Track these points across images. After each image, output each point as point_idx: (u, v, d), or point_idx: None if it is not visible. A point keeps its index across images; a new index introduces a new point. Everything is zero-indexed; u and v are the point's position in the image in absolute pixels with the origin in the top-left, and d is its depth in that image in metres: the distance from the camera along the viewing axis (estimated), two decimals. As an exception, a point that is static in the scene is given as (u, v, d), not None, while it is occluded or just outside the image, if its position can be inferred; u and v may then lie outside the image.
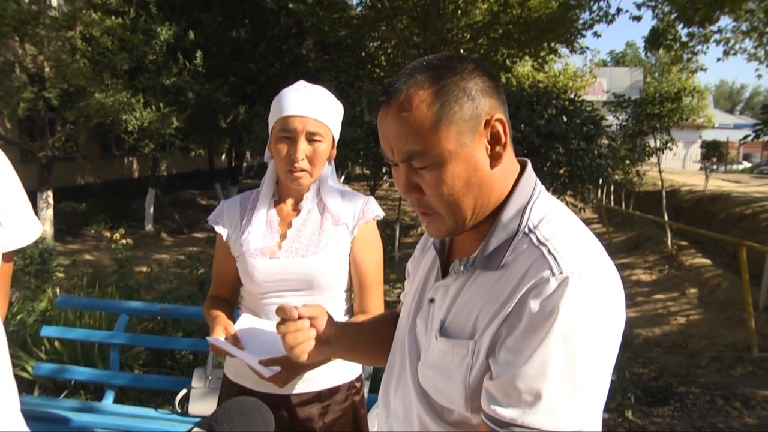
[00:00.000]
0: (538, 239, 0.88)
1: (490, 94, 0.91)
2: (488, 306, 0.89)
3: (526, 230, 0.91)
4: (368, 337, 1.28)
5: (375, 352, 1.25)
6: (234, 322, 1.60)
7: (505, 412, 0.81)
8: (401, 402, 1.05)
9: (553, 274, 0.82)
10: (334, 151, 1.67)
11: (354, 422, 1.71)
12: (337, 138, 1.66)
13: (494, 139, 0.91)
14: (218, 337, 1.51)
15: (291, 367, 1.49)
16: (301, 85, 1.61)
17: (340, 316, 1.70)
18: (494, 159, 0.92)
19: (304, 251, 1.62)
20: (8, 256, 1.29)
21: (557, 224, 0.91)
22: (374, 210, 1.70)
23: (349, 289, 1.73)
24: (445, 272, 1.05)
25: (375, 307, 1.69)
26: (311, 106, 1.55)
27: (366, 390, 1.91)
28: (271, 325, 1.61)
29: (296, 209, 1.69)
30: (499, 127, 0.91)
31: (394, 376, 1.10)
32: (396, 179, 0.97)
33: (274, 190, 1.71)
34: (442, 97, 0.87)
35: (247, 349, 1.51)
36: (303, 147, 1.55)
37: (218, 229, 1.72)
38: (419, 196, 0.93)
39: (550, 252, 0.85)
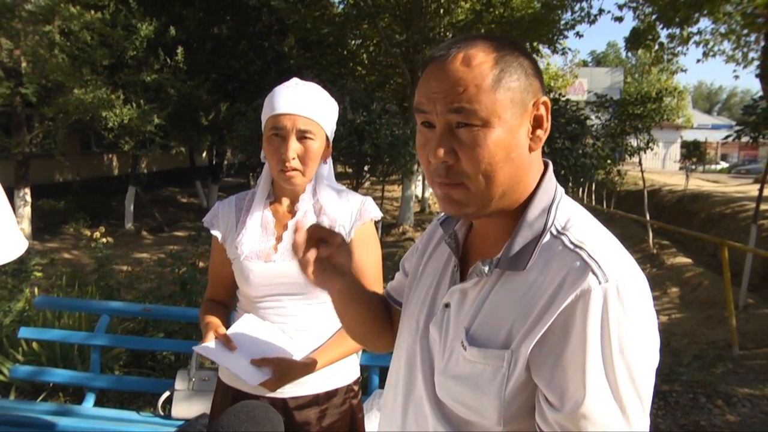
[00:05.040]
0: (571, 242, 0.85)
1: (539, 78, 0.90)
2: (524, 313, 0.84)
3: (554, 231, 0.88)
4: (368, 300, 1.21)
5: (366, 321, 1.20)
6: (230, 325, 1.58)
7: None
8: (413, 417, 1.00)
9: (599, 283, 0.79)
10: (329, 150, 1.63)
11: (351, 426, 1.68)
12: (331, 136, 1.62)
13: (537, 122, 0.89)
14: (208, 343, 1.49)
15: (282, 371, 1.47)
16: (293, 82, 1.57)
17: (336, 322, 1.66)
18: (534, 142, 0.89)
19: None
20: None
21: (586, 227, 0.88)
22: (371, 211, 1.67)
23: None
24: (462, 274, 0.99)
25: None
26: (302, 104, 1.52)
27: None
28: (271, 328, 1.58)
29: (292, 210, 1.65)
30: (543, 111, 0.89)
31: (402, 389, 1.04)
32: (423, 143, 0.91)
33: (269, 190, 1.67)
34: (502, 64, 0.85)
35: (242, 350, 1.48)
36: (293, 146, 1.52)
37: (213, 231, 1.68)
38: (453, 161, 0.87)
39: (590, 257, 0.82)
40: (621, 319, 0.78)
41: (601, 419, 0.79)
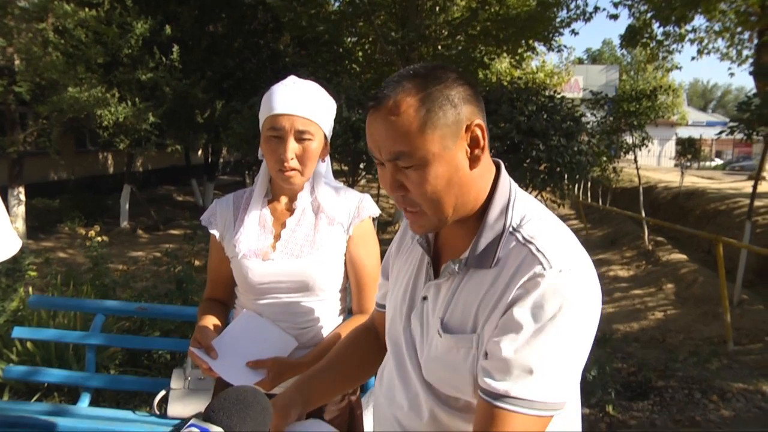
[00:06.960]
0: (523, 237, 0.98)
1: (471, 102, 0.98)
2: (485, 301, 0.97)
3: (510, 229, 1.00)
4: (341, 373, 1.32)
5: (362, 372, 1.36)
6: (229, 323, 1.59)
7: (500, 386, 0.91)
8: (405, 395, 1.12)
9: (544, 269, 0.92)
10: (328, 149, 1.62)
11: (350, 422, 1.68)
12: (330, 135, 1.61)
13: (473, 143, 0.99)
14: (196, 347, 1.50)
15: (277, 371, 1.47)
16: (291, 81, 1.56)
17: (335, 317, 1.68)
18: (473, 161, 1.00)
19: (298, 252, 1.59)
20: None
21: (538, 223, 1.00)
22: (369, 208, 1.67)
23: (344, 290, 1.70)
24: (435, 270, 1.11)
25: (373, 306, 1.66)
26: (300, 104, 1.50)
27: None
28: (269, 325, 1.59)
29: (290, 209, 1.64)
30: (478, 132, 0.98)
31: (395, 372, 1.16)
32: (381, 178, 1.03)
33: (267, 189, 1.67)
34: (427, 104, 0.94)
35: (239, 349, 1.50)
36: (292, 146, 1.51)
37: (211, 229, 1.68)
38: (404, 193, 1.00)
39: (538, 250, 0.94)
40: (558, 300, 0.90)
41: (511, 371, 0.91)
